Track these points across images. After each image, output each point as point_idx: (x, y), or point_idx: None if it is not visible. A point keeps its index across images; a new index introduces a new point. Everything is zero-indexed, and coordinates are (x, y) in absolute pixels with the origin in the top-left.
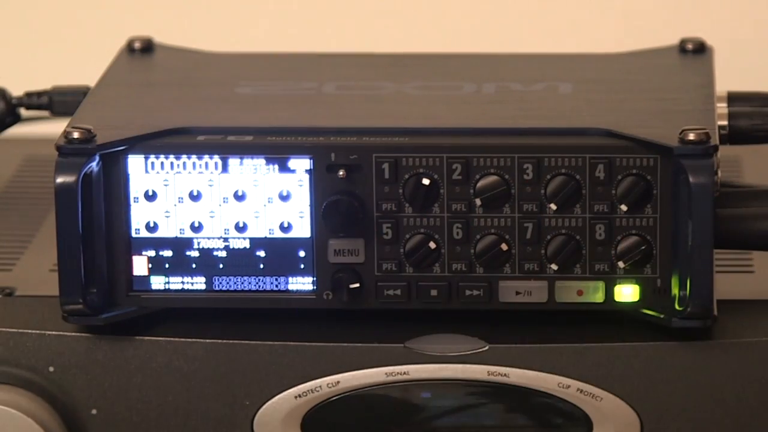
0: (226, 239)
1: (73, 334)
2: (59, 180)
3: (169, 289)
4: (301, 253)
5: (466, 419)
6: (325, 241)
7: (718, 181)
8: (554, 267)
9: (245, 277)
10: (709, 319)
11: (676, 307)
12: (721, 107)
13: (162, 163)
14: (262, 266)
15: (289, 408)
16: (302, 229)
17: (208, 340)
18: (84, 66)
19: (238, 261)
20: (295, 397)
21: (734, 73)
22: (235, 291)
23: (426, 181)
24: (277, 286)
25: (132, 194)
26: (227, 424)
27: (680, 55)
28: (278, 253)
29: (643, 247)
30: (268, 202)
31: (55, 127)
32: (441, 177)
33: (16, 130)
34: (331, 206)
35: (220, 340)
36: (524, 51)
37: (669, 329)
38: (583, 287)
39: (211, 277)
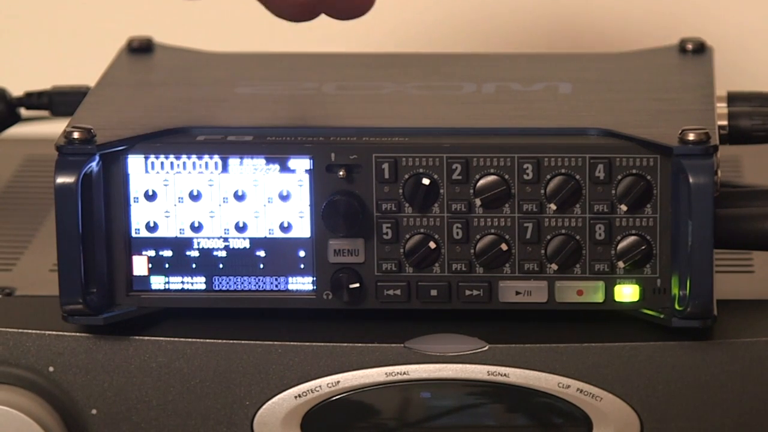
0: (226, 239)
1: (73, 334)
2: (59, 180)
3: (169, 289)
4: (301, 253)
5: (466, 419)
6: (325, 241)
7: (718, 181)
8: (554, 267)
9: (245, 277)
10: (709, 319)
11: (676, 307)
12: (721, 107)
13: (162, 163)
14: (262, 266)
15: (289, 408)
16: (302, 229)
17: (208, 340)
18: (84, 66)
19: (238, 261)
20: (295, 397)
21: (734, 73)
22: (235, 291)
23: (426, 181)
24: (277, 286)
25: (132, 194)
26: (227, 424)
27: (680, 55)
28: (278, 253)
29: (643, 247)
30: (268, 202)
31: (55, 127)
32: (441, 177)
33: (16, 130)
34: (331, 206)
35: (220, 340)
36: (524, 51)
37: (669, 329)
38: (583, 287)
39: (211, 277)
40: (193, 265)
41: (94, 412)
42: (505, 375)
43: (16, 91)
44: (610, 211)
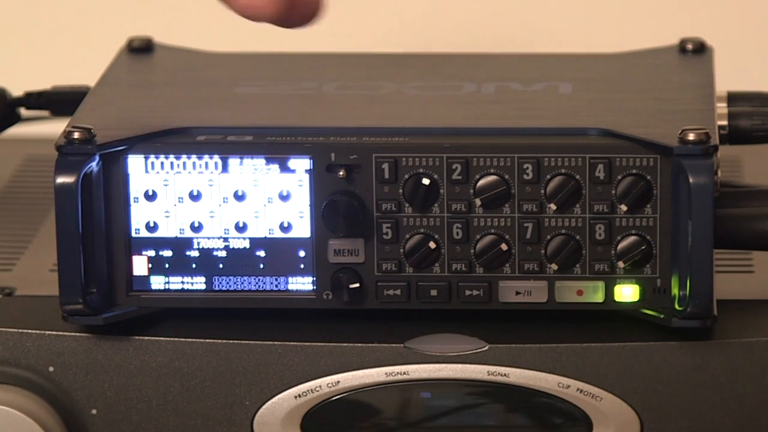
0: (226, 239)
1: (73, 334)
2: (59, 180)
3: (169, 289)
4: (301, 253)
5: (466, 419)
6: (325, 241)
7: (718, 181)
8: (554, 267)
9: (245, 277)
10: (709, 319)
11: (676, 307)
12: (721, 107)
13: (162, 163)
14: (262, 266)
15: (289, 408)
16: (302, 229)
17: (208, 340)
18: (84, 66)
19: (238, 261)
20: (295, 397)
21: (734, 73)
22: (235, 291)
23: (426, 181)
24: (277, 286)
25: (132, 194)
26: (227, 424)
27: (680, 55)
28: (278, 253)
29: (643, 247)
30: (268, 202)
31: (55, 127)
32: (441, 177)
33: (16, 130)
34: (331, 206)
35: (220, 340)
36: (524, 51)
37: (669, 329)
38: (583, 287)
39: (211, 277)
40: (193, 265)
41: (94, 412)
42: (505, 375)
43: (16, 91)
44: (610, 211)
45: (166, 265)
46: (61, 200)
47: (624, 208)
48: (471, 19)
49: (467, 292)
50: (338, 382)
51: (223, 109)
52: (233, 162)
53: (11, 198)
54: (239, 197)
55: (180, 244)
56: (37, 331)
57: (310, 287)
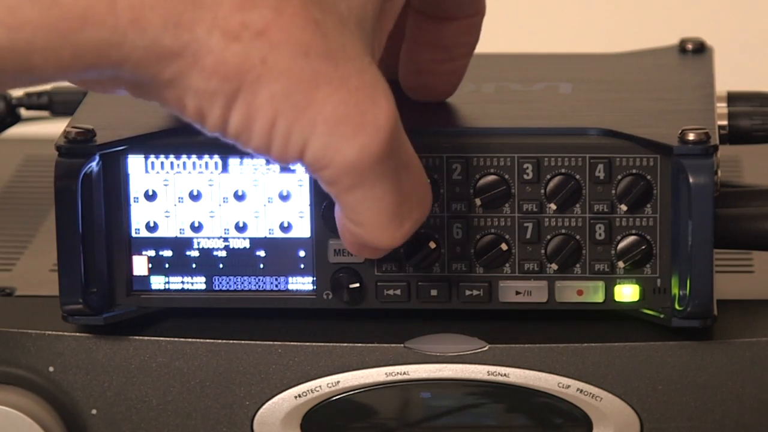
0: (226, 239)
1: (73, 334)
2: (59, 180)
3: (169, 289)
4: (301, 253)
5: (466, 419)
6: (325, 241)
7: (718, 181)
8: (554, 267)
9: (245, 277)
10: (709, 319)
11: (676, 306)
12: (721, 107)
13: (162, 163)
14: (262, 266)
15: (289, 408)
16: (302, 229)
17: (208, 340)
18: None
19: (238, 261)
20: (295, 397)
21: (734, 73)
22: (235, 291)
23: None
24: (277, 286)
25: (132, 194)
26: (227, 424)
27: (680, 55)
28: (278, 253)
29: (643, 247)
30: (268, 202)
31: (55, 127)
32: (441, 177)
33: (16, 130)
34: (331, 206)
35: (220, 340)
36: (524, 51)
37: (669, 329)
38: (583, 287)
39: (211, 277)
40: (193, 265)
41: (94, 412)
42: (505, 375)
43: (16, 91)
44: (610, 211)
45: (166, 265)
46: (61, 200)
47: (624, 207)
48: None
49: (467, 292)
50: (338, 382)
51: None
52: (233, 162)
53: (11, 198)
54: (239, 197)
55: (180, 244)
56: (37, 331)
57: (310, 287)
